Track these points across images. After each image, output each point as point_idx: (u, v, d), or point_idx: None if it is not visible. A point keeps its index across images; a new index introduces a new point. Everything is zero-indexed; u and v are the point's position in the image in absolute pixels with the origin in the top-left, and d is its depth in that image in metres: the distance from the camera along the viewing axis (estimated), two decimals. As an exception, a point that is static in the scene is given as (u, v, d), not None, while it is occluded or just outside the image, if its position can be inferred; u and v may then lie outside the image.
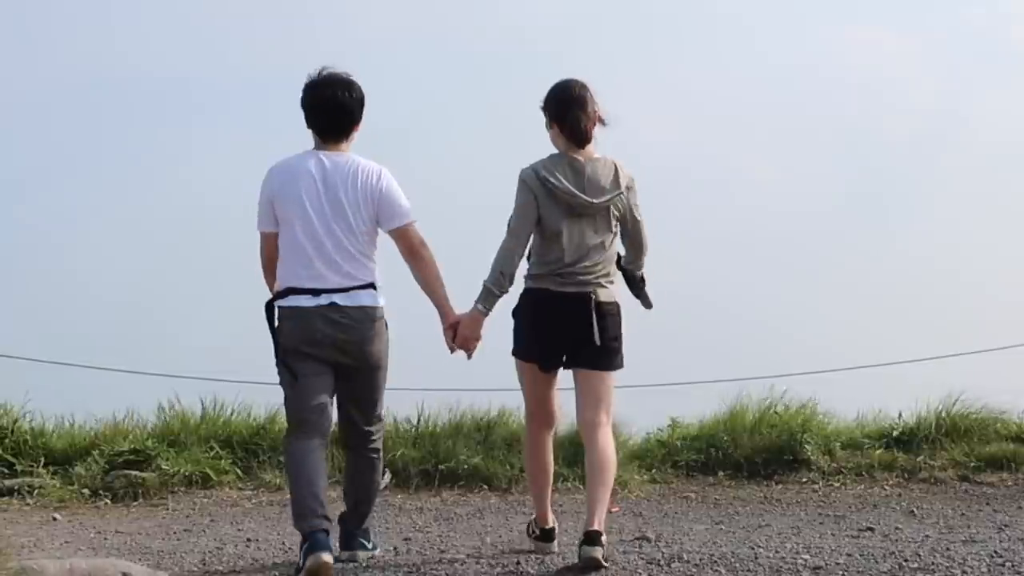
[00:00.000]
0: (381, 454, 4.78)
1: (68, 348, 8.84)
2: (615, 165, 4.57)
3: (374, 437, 4.70)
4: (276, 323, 4.52)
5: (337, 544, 4.67)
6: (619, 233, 4.64)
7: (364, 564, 4.63)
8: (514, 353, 4.66)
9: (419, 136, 13.92)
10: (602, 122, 4.60)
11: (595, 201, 4.48)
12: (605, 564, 4.31)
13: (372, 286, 4.51)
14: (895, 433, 7.95)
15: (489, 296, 4.49)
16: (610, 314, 4.55)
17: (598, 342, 4.48)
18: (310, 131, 4.60)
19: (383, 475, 5.27)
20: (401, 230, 4.55)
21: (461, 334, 4.53)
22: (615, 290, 4.61)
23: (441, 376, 7.55)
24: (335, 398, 4.58)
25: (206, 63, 14.64)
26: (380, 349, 4.56)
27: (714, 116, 14.98)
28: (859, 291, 12.84)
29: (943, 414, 7.97)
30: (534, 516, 4.89)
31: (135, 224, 12.80)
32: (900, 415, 8.13)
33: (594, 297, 4.49)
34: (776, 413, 7.88)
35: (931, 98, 15.47)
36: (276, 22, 15.28)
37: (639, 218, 4.66)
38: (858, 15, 15.68)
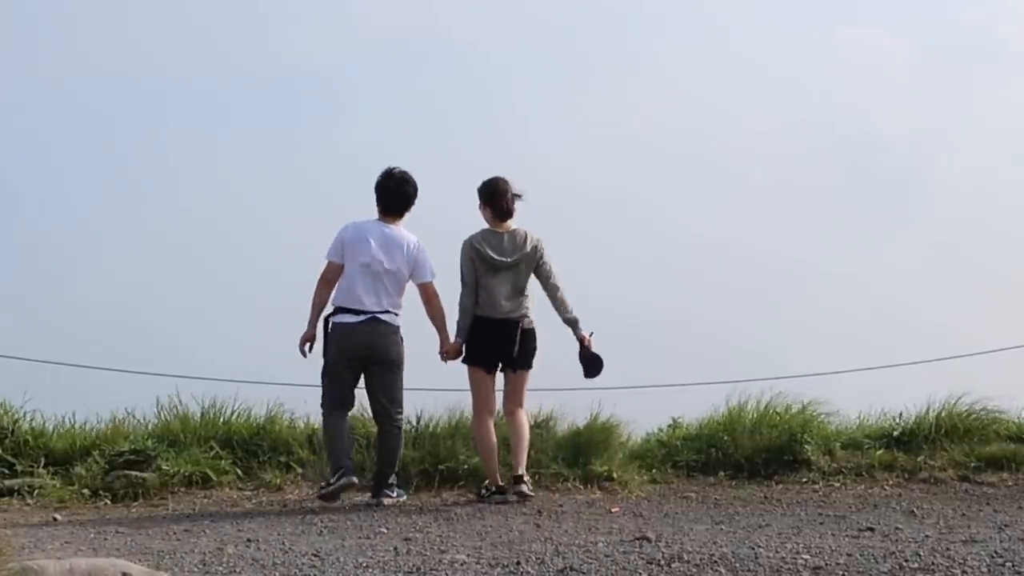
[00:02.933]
0: (402, 432, 6.73)
1: (68, 348, 8.85)
2: (525, 233, 6.72)
3: (395, 417, 6.60)
4: (329, 331, 6.52)
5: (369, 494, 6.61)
6: (539, 279, 6.75)
7: (391, 507, 6.40)
8: (464, 361, 6.73)
9: (416, 136, 13.93)
10: (519, 197, 6.76)
11: (509, 260, 6.64)
12: (531, 494, 6.60)
13: (394, 313, 6.57)
14: (895, 433, 7.95)
15: (461, 331, 6.71)
16: (530, 335, 6.70)
17: (524, 354, 6.65)
18: (377, 205, 6.67)
19: (400, 482, 6.83)
20: (423, 284, 6.70)
21: (450, 354, 6.73)
22: (533, 319, 6.72)
23: (441, 377, 7.58)
24: (367, 390, 6.59)
25: (200, 66, 14.65)
26: (396, 352, 6.59)
27: (707, 116, 14.99)
28: (857, 292, 12.84)
29: (943, 414, 7.97)
30: (487, 482, 6.72)
31: (135, 224, 12.81)
32: (900, 415, 8.13)
33: (520, 323, 6.64)
34: (776, 413, 7.88)
35: (925, 98, 15.48)
36: (273, 24, 15.28)
37: (547, 263, 6.73)
38: (851, 16, 15.71)
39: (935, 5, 16.35)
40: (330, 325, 6.56)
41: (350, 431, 6.73)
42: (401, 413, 6.67)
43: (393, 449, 6.60)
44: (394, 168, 6.71)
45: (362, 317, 6.48)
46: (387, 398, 6.58)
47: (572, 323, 6.75)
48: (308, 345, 6.58)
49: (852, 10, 15.96)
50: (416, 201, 6.73)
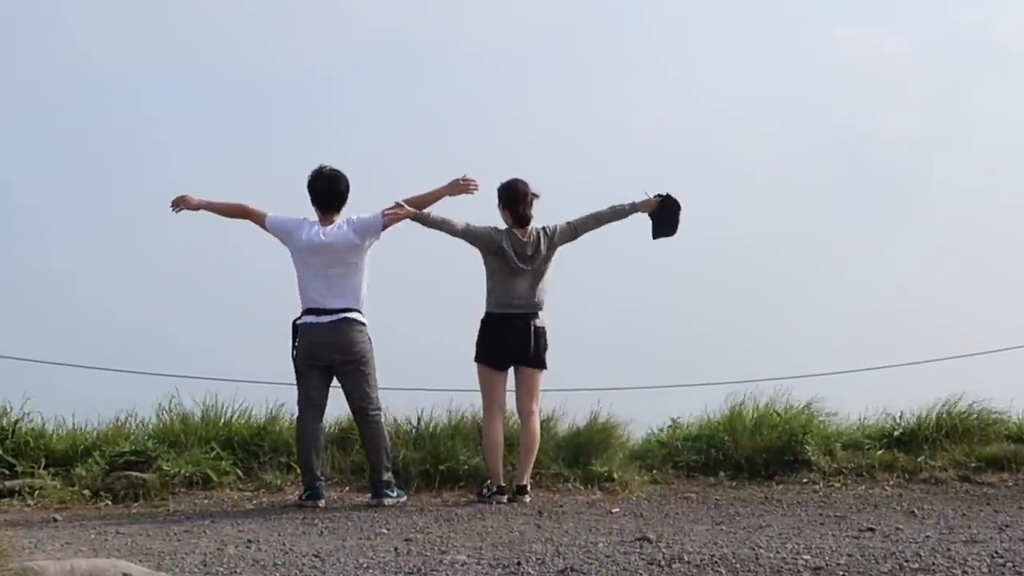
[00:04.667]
0: (380, 426, 6.70)
1: (68, 348, 8.84)
2: (538, 235, 6.78)
3: (371, 414, 6.63)
4: (296, 333, 6.63)
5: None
6: (587, 231, 6.91)
7: (391, 507, 6.46)
8: (476, 359, 6.80)
9: (415, 136, 13.94)
10: (536, 196, 6.82)
11: (528, 268, 6.75)
12: (527, 502, 6.60)
13: (356, 310, 6.60)
14: (896, 433, 7.95)
15: (423, 214, 6.68)
16: (542, 333, 6.77)
17: (536, 353, 6.75)
18: (312, 206, 6.69)
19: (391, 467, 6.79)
20: (386, 223, 6.63)
21: (404, 211, 6.63)
22: (544, 318, 6.80)
23: (441, 377, 7.59)
24: (343, 391, 6.65)
25: (198, 66, 14.65)
26: (362, 349, 6.61)
27: (707, 116, 14.98)
28: (857, 292, 12.83)
29: (944, 415, 7.97)
30: (488, 481, 6.75)
31: (135, 224, 12.77)
32: (901, 415, 8.13)
33: (533, 321, 6.73)
34: (776, 414, 7.87)
35: (924, 98, 15.47)
36: (269, 25, 15.28)
37: (567, 227, 6.86)
38: (851, 16, 15.70)
39: (934, 5, 16.34)
40: (297, 328, 6.65)
41: (321, 434, 6.80)
42: (377, 409, 6.67)
43: (376, 445, 6.62)
44: (323, 167, 6.73)
45: (325, 318, 6.55)
46: (359, 396, 6.61)
47: (633, 206, 6.91)
48: (178, 207, 6.71)
49: (852, 10, 15.96)
50: (349, 197, 6.72)
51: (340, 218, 6.69)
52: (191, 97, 14.38)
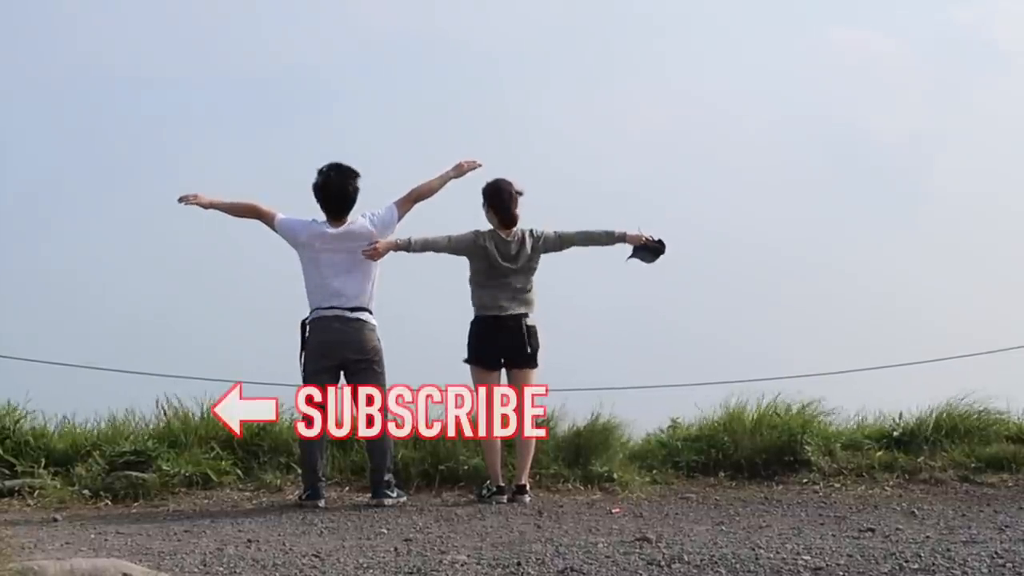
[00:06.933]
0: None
1: (68, 348, 8.84)
2: (523, 236, 6.79)
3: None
4: (306, 332, 6.55)
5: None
6: (566, 247, 6.89)
7: (392, 507, 6.49)
8: (468, 361, 6.79)
9: (416, 135, 13.94)
10: (520, 193, 6.82)
11: (514, 267, 6.76)
12: (527, 502, 6.62)
13: (366, 309, 6.59)
14: (896, 434, 7.95)
15: (404, 243, 6.68)
16: (533, 332, 6.79)
17: (528, 351, 6.75)
18: (322, 209, 6.60)
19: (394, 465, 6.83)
20: (401, 212, 6.71)
21: (382, 244, 6.63)
22: (535, 317, 6.81)
23: (440, 377, 7.57)
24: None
25: (200, 65, 14.65)
26: (374, 347, 6.59)
27: (705, 116, 14.98)
28: (857, 292, 12.83)
29: (943, 415, 7.97)
30: (488, 482, 6.77)
31: (136, 224, 12.78)
32: (900, 416, 8.13)
33: (524, 320, 6.74)
34: (776, 414, 7.87)
35: (920, 98, 15.47)
36: (272, 24, 15.29)
37: (552, 236, 6.84)
38: (847, 16, 15.71)
39: (928, 5, 16.36)
40: (306, 326, 6.60)
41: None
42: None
43: (381, 445, 6.60)
44: (330, 170, 6.62)
45: (338, 316, 6.51)
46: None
47: (623, 237, 6.86)
48: (187, 200, 6.59)
49: (847, 10, 15.96)
50: (359, 195, 6.63)
51: (350, 217, 6.65)
52: (193, 96, 14.39)
